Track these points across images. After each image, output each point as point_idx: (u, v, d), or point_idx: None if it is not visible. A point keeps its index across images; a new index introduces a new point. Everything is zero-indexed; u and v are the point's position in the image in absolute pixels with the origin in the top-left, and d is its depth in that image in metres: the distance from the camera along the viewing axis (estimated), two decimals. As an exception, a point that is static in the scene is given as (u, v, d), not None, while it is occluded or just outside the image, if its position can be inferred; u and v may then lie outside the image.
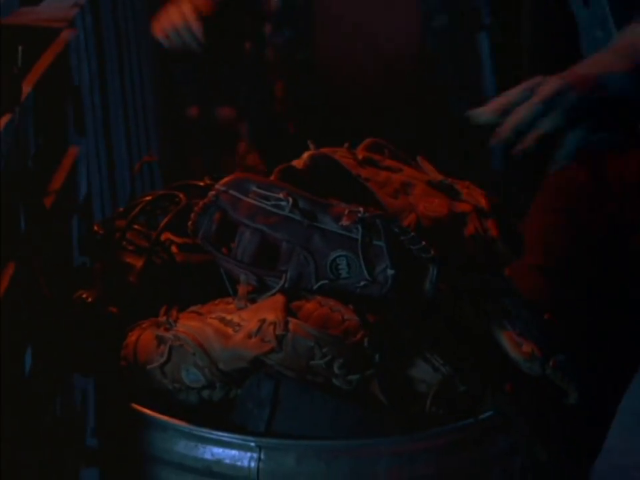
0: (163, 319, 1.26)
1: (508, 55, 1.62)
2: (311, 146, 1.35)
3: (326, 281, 1.19)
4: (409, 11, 1.65)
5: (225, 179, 1.26)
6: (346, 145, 1.36)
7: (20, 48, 1.29)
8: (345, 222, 1.18)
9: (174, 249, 1.37)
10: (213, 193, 1.25)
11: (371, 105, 1.69)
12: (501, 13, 1.60)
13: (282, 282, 1.20)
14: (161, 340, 1.21)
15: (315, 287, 1.19)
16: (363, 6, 1.69)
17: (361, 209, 1.19)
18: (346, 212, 1.19)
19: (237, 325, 1.19)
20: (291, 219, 1.20)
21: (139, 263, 1.33)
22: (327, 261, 1.18)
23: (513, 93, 1.25)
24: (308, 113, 1.70)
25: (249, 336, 1.16)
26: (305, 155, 1.33)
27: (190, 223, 1.25)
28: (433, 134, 1.61)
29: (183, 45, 1.64)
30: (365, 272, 1.18)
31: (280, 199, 1.21)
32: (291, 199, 1.20)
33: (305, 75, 1.70)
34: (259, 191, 1.22)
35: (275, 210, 1.21)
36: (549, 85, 1.24)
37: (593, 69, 1.26)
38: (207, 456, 1.17)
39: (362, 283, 1.18)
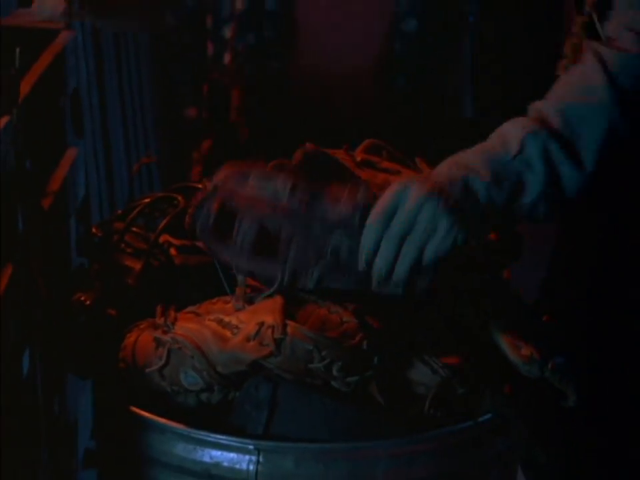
0: (160, 320, 1.25)
1: (490, 61, 1.60)
2: (308, 146, 1.35)
3: (325, 269, 1.18)
4: (381, 13, 1.64)
5: (223, 170, 1.25)
6: (344, 146, 1.36)
7: (17, 49, 1.29)
8: (343, 208, 1.18)
9: (172, 251, 1.37)
10: (210, 184, 1.24)
11: (339, 111, 1.67)
12: (488, 18, 1.58)
13: (280, 279, 1.20)
14: (159, 342, 1.21)
15: (315, 274, 1.18)
16: (337, 12, 1.66)
17: (359, 195, 1.18)
18: (344, 198, 1.19)
19: (235, 327, 1.19)
20: (290, 207, 1.20)
21: (137, 265, 1.32)
22: (327, 247, 1.18)
23: (369, 231, 1.13)
24: (271, 123, 1.68)
25: (247, 339, 1.16)
26: (298, 152, 1.32)
27: (187, 216, 1.25)
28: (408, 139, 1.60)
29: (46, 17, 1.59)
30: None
31: (278, 188, 1.21)
32: (289, 186, 1.20)
33: (273, 85, 1.67)
34: (257, 180, 1.22)
35: (273, 199, 1.20)
36: (407, 207, 1.11)
37: (456, 173, 1.14)
38: (206, 459, 1.17)
39: (362, 268, 1.17)
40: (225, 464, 1.16)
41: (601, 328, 1.43)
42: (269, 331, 1.14)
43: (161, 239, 1.37)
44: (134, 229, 1.39)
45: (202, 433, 1.17)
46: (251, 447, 1.15)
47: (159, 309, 1.27)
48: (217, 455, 1.16)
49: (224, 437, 1.16)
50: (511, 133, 1.16)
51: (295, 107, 1.69)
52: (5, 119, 1.14)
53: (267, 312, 1.18)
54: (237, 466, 1.15)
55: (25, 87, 1.26)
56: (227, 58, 1.69)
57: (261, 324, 1.16)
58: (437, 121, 1.67)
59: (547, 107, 1.17)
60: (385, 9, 1.65)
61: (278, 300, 1.20)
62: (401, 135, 1.62)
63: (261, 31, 1.66)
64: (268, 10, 1.65)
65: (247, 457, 1.15)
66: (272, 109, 1.68)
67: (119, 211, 1.45)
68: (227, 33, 1.69)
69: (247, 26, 1.66)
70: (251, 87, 1.68)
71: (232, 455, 1.15)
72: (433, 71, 1.64)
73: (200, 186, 1.42)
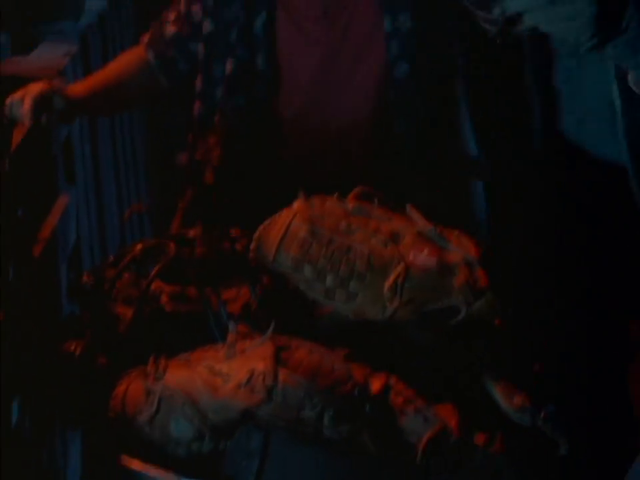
0: (151, 368, 1.25)
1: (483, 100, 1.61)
2: (301, 194, 1.36)
3: None
4: (375, 61, 1.65)
5: None
6: (336, 193, 1.37)
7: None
8: None
9: (164, 297, 1.37)
10: None
11: (333, 165, 1.68)
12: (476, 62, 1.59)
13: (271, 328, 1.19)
14: (149, 391, 1.20)
15: None
16: (328, 62, 1.67)
17: None
18: None
19: (226, 375, 1.18)
20: None
21: (128, 313, 1.32)
22: None
23: None
24: (250, 182, 1.68)
25: (239, 387, 1.15)
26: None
27: None
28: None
29: (15, 117, 1.60)
30: None
31: None
32: None
33: (263, 136, 1.68)
34: None
35: None
36: None
37: None
38: (196, 509, 1.15)
39: None
40: (216, 514, 1.15)
41: (591, 378, 1.43)
42: (260, 378, 1.14)
43: (153, 286, 1.37)
44: (125, 275, 1.38)
45: (192, 483, 1.15)
46: (241, 497, 1.14)
47: (151, 358, 1.27)
48: (207, 505, 1.15)
49: (215, 487, 1.15)
50: None
51: (286, 163, 1.69)
52: (-3, 167, 1.15)
53: (258, 359, 1.17)
54: (228, 516, 1.14)
55: (17, 136, 1.27)
56: (217, 118, 1.70)
57: (252, 371, 1.15)
58: (440, 161, 1.67)
59: None
60: (375, 58, 1.66)
61: (269, 347, 1.19)
62: (399, 182, 1.63)
63: (250, 92, 1.67)
64: (259, 70, 1.67)
65: (238, 507, 1.14)
66: (261, 166, 1.69)
67: (111, 258, 1.45)
68: (219, 93, 1.70)
69: (237, 88, 1.68)
70: (237, 148, 1.68)
71: (223, 505, 1.14)
72: (432, 112, 1.65)
73: (191, 234, 1.42)
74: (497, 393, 1.21)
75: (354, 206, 1.35)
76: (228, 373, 1.18)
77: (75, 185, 1.88)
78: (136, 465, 1.18)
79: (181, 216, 1.75)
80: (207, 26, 1.69)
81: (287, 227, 1.30)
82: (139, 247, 1.42)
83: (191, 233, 1.43)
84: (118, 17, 2.50)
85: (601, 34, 1.24)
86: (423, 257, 1.25)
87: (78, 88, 1.66)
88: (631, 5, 1.23)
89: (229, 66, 1.68)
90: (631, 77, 1.27)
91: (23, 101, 1.50)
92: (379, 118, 1.67)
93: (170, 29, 1.75)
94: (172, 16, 1.75)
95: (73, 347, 1.26)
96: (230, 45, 1.67)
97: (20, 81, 1.57)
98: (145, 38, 1.78)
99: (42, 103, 1.52)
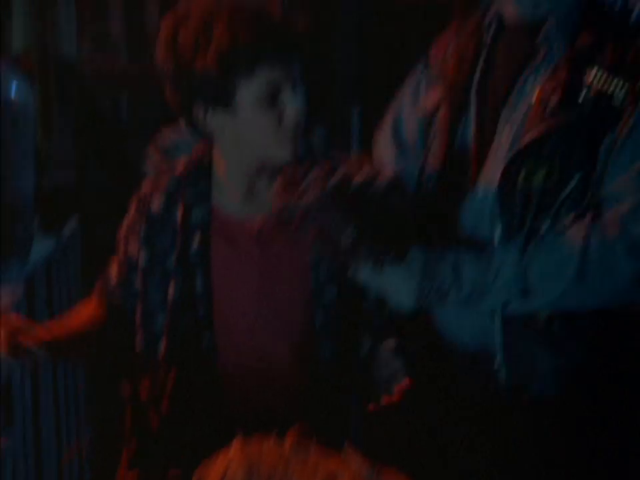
0: None
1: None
2: (239, 436, 1.36)
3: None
4: (305, 286, 1.65)
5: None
6: (275, 430, 1.37)
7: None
8: None
9: None
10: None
11: (268, 392, 1.68)
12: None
13: None
14: None
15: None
16: (262, 285, 1.69)
17: None
18: None
19: None
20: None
21: None
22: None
23: None
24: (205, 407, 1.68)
25: None
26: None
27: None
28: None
29: None
30: None
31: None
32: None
33: (205, 363, 1.67)
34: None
35: None
36: None
37: None
38: None
39: None
40: None
41: None
42: None
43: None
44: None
45: None
46: None
47: None
48: None
49: None
50: None
51: (224, 395, 1.68)
52: None
53: None
54: None
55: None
56: (161, 347, 1.69)
57: None
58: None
59: None
60: (305, 283, 1.67)
61: None
62: (331, 408, 1.63)
63: (193, 316, 1.68)
64: (197, 294, 1.68)
65: None
66: (203, 400, 1.68)
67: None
68: (160, 321, 1.70)
69: (180, 313, 1.68)
70: (184, 381, 1.67)
71: None
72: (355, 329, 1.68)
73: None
74: None
75: (292, 444, 1.35)
76: None
77: (12, 429, 1.85)
78: None
79: (127, 460, 1.71)
80: (143, 256, 1.70)
81: (223, 474, 1.29)
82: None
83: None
84: (65, 260, 2.52)
85: (426, 301, 1.38)
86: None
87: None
88: (454, 271, 1.38)
89: (171, 291, 1.68)
90: None
91: None
92: (308, 344, 1.67)
93: (113, 275, 1.77)
94: (114, 260, 1.77)
95: None
96: (167, 271, 1.69)
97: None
98: (97, 287, 1.80)
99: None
